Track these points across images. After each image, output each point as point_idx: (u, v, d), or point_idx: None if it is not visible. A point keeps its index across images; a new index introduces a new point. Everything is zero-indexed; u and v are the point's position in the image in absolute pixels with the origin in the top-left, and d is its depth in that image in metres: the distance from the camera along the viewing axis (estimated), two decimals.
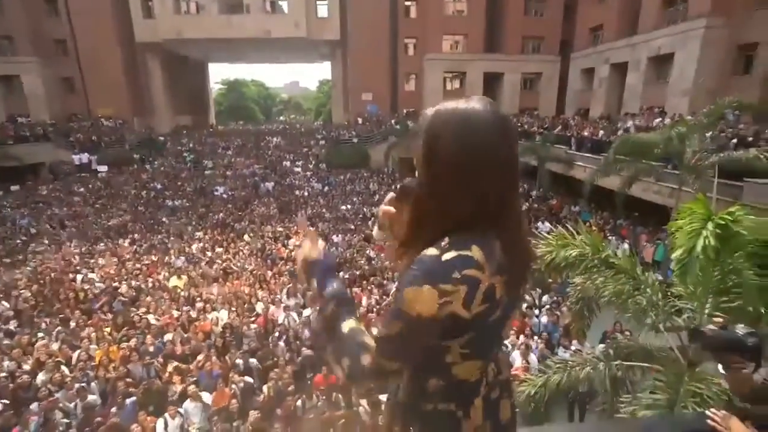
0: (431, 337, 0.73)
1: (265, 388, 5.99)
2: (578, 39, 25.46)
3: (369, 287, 9.94)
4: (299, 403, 5.70)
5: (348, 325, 0.81)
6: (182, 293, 9.73)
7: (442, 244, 0.71)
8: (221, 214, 17.02)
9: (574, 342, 6.51)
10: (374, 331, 0.78)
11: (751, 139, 10.37)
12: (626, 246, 11.31)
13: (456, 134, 0.71)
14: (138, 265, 11.93)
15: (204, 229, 15.30)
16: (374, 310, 8.66)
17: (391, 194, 0.96)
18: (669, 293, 3.38)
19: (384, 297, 9.23)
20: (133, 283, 10.48)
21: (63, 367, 6.58)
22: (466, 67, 28.24)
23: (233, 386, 6.07)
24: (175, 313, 8.75)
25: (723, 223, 2.03)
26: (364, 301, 9.19)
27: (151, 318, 8.57)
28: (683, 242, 2.08)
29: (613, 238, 12.27)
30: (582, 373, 3.34)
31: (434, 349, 0.77)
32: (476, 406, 0.82)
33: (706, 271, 2.83)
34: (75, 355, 7.03)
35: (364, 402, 5.70)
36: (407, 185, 0.90)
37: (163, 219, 16.88)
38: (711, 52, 16.14)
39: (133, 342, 7.49)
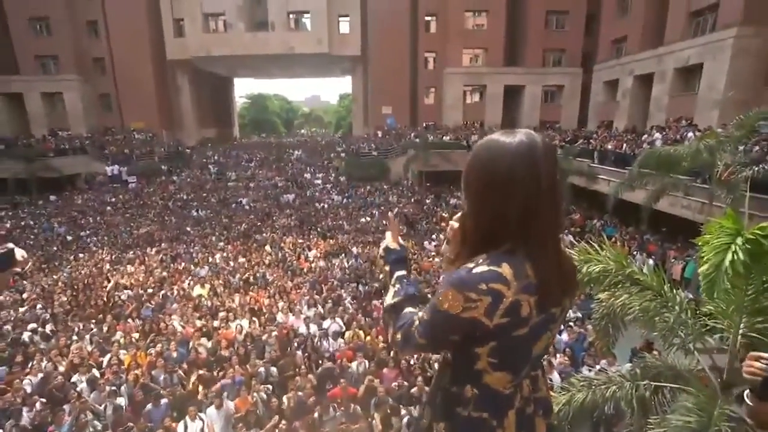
0: (453, 332, 0.85)
1: (285, 398, 6.04)
2: (601, 51, 25.18)
3: None
4: (316, 414, 5.72)
5: (407, 308, 0.98)
6: (205, 302, 9.98)
7: (480, 259, 0.82)
8: (244, 225, 17.42)
9: (603, 362, 6.32)
10: (420, 312, 0.92)
11: None
12: (651, 262, 10.95)
13: (480, 162, 0.84)
14: (164, 274, 12.33)
15: (227, 239, 15.68)
16: None
17: (458, 214, 1.07)
18: (699, 312, 3.29)
19: None
20: (160, 291, 10.82)
21: (94, 370, 6.84)
22: (485, 81, 28.29)
23: (255, 395, 6.16)
24: (198, 322, 8.97)
25: (753, 238, 1.99)
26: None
27: (177, 325, 8.81)
28: (710, 257, 2.05)
29: (639, 253, 11.90)
30: (607, 392, 3.27)
31: (466, 354, 0.87)
32: (510, 418, 0.88)
33: (738, 290, 2.76)
34: (106, 359, 7.30)
35: (378, 416, 5.68)
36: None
37: (188, 229, 17.41)
38: (742, 63, 15.68)
39: (159, 347, 7.72)
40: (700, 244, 2.34)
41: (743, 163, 8.92)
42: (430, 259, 12.82)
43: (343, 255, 13.57)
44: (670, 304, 3.15)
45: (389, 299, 1.02)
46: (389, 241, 1.15)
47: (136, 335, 8.43)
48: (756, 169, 8.37)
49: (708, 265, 2.08)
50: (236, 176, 25.70)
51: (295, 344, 7.74)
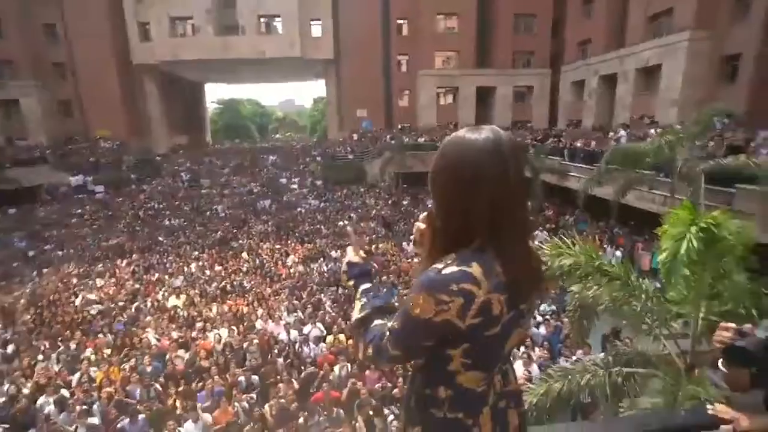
0: (427, 337, 0.83)
1: (267, 406, 5.95)
2: (567, 52, 26.10)
3: None
4: (301, 420, 5.66)
5: (376, 321, 0.96)
6: (182, 312, 9.70)
7: (449, 260, 0.80)
8: (219, 233, 17.04)
9: (579, 352, 6.55)
10: (390, 322, 0.90)
11: (741, 145, 10.63)
12: (618, 254, 11.41)
13: (446, 160, 0.84)
14: (137, 286, 11.91)
15: (202, 248, 15.29)
16: None
17: (424, 213, 1.04)
18: (664, 299, 3.46)
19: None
20: (132, 304, 10.44)
21: (63, 390, 6.53)
22: (458, 82, 28.79)
23: (236, 404, 6.04)
24: (175, 334, 8.71)
25: (706, 227, 2.12)
26: None
27: (152, 338, 8.53)
28: (668, 246, 2.17)
29: (609, 246, 12.38)
30: (583, 380, 3.39)
31: (438, 356, 0.85)
32: (484, 415, 0.88)
33: (697, 276, 2.93)
34: (75, 378, 6.97)
35: (361, 418, 5.67)
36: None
37: (161, 239, 16.88)
38: (696, 63, 16.61)
39: (132, 362, 7.45)
40: (660, 234, 2.48)
41: (700, 157, 9.44)
42: (409, 260, 12.90)
43: (321, 259, 13.48)
44: (636, 292, 3.31)
45: (356, 314, 0.99)
46: (351, 255, 1.11)
47: (107, 351, 8.10)
48: (711, 162, 8.87)
49: (666, 254, 2.20)
50: (210, 183, 25.11)
51: (276, 351, 7.63)
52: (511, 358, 1.00)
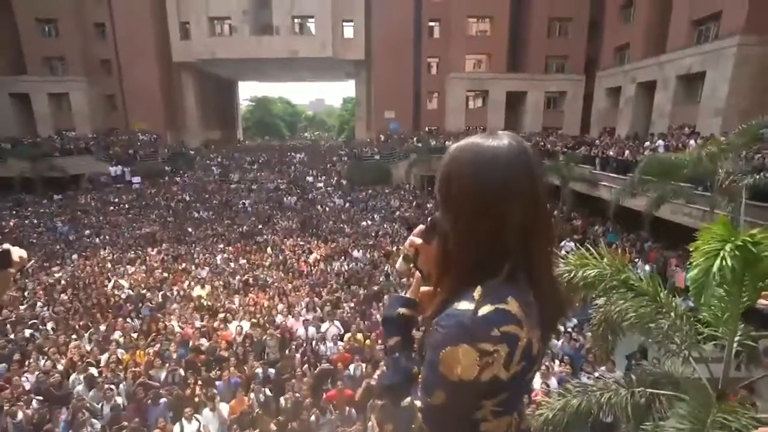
0: (474, 402, 0.67)
1: (282, 399, 6.04)
2: (604, 58, 25.23)
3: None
4: (313, 417, 5.72)
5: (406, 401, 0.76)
6: (205, 302, 10.01)
7: (475, 295, 0.66)
8: (245, 227, 17.48)
9: (601, 369, 6.30)
10: (418, 401, 0.72)
11: None
12: (647, 268, 10.91)
13: (464, 169, 0.70)
14: (165, 274, 12.38)
15: (228, 241, 15.73)
16: None
17: (420, 226, 0.91)
18: (695, 319, 3.28)
19: None
20: (159, 291, 10.86)
21: (92, 369, 6.86)
22: (488, 86, 28.38)
23: (252, 396, 6.17)
24: (198, 323, 8.99)
25: (743, 245, 2.00)
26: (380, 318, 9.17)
27: (176, 325, 8.84)
28: (700, 263, 2.06)
29: (640, 261, 11.86)
30: (603, 398, 3.26)
31: (475, 420, 0.70)
32: None
33: (732, 297, 2.75)
34: (104, 358, 7.32)
35: (375, 418, 5.67)
36: (438, 219, 0.82)
37: (190, 230, 17.48)
38: (744, 71, 15.67)
39: (157, 347, 7.75)
40: (692, 250, 2.35)
41: (745, 171, 8.90)
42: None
43: (343, 258, 13.58)
44: (665, 310, 3.15)
45: (378, 387, 0.81)
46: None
47: (134, 335, 8.46)
48: (757, 177, 8.35)
49: (697, 271, 2.08)
50: (239, 178, 25.81)
51: (294, 346, 7.74)
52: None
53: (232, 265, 12.91)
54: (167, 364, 7.09)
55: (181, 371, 6.97)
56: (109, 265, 13.32)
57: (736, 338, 3.01)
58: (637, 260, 11.74)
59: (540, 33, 27.46)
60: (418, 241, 0.87)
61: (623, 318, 3.40)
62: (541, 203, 0.70)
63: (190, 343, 7.88)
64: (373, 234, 16.76)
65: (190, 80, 31.29)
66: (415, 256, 0.87)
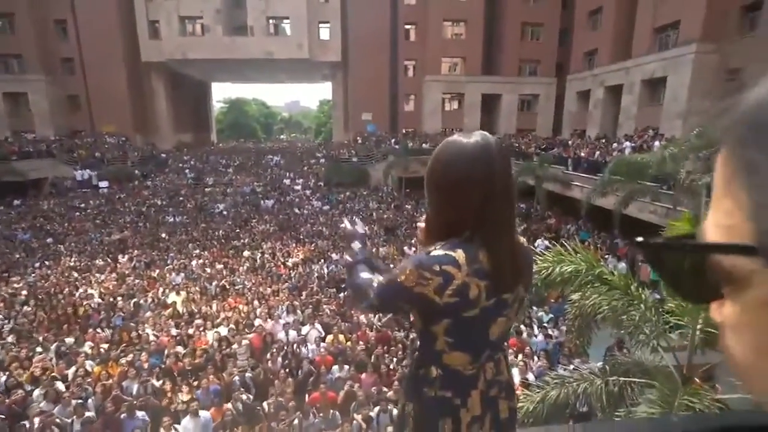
0: (403, 301, 0.94)
1: (265, 404, 5.95)
2: (574, 62, 26.17)
3: None
4: (296, 421, 5.66)
5: (364, 273, 1.08)
6: (181, 309, 9.73)
7: (438, 245, 0.92)
8: (221, 231, 17.09)
9: (576, 361, 6.53)
10: (378, 276, 1.03)
11: None
12: (623, 265, 11.37)
13: (440, 161, 0.94)
14: (137, 281, 11.94)
15: (204, 245, 15.34)
16: (373, 327, 8.66)
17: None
18: (662, 309, 3.47)
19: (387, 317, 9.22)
20: (132, 299, 10.47)
21: (59, 383, 6.54)
22: (464, 89, 28.88)
23: (230, 404, 6.04)
24: (174, 331, 8.73)
25: None
26: (363, 318, 9.19)
27: (150, 334, 8.55)
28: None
29: (611, 257, 12.34)
30: (579, 388, 3.39)
31: (426, 335, 0.95)
32: (473, 398, 0.94)
33: None
34: (71, 371, 6.98)
35: (358, 417, 5.68)
36: None
37: (163, 235, 16.94)
38: (702, 77, 16.62)
39: (130, 357, 7.47)
40: None
41: (704, 170, 9.43)
42: None
43: (322, 261, 13.50)
44: (636, 302, 3.31)
45: (347, 261, 1.16)
46: (349, 227, 1.33)
47: (105, 345, 8.12)
48: (714, 175, 8.84)
49: None
50: (213, 181, 25.21)
51: (274, 350, 7.64)
52: (504, 350, 1.05)
53: (208, 270, 12.59)
54: (141, 375, 6.85)
55: (155, 381, 6.74)
56: (75, 273, 12.73)
57: (698, 326, 3.21)
58: (608, 256, 12.21)
59: (513, 37, 28.20)
60: (423, 225, 1.13)
61: (597, 311, 3.55)
62: (497, 185, 0.90)
63: (166, 352, 7.64)
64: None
65: (160, 81, 30.35)
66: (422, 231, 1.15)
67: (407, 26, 29.33)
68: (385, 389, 6.47)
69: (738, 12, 16.03)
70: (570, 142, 21.57)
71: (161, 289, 11.18)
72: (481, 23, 28.28)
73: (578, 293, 3.78)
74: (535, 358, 7.13)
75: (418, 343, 1.01)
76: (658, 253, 0.23)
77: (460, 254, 0.88)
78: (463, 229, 0.92)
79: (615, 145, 17.39)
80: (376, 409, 5.87)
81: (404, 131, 29.64)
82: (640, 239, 0.24)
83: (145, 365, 7.27)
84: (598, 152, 17.16)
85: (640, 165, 9.98)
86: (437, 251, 0.89)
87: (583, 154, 17.88)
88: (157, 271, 12.80)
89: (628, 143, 16.68)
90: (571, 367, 6.09)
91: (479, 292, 0.88)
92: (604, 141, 19.68)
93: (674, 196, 9.71)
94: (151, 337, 8.41)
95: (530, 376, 6.16)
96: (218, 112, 57.56)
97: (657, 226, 11.61)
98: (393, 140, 27.38)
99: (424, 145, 25.44)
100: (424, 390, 0.96)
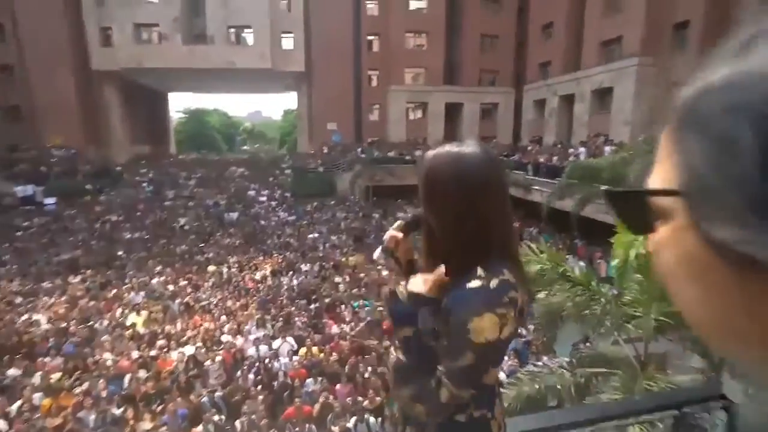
0: (497, 360, 0.83)
1: (238, 423, 5.74)
2: (530, 73, 27.53)
3: (341, 314, 9.91)
4: None
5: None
6: (142, 330, 9.22)
7: (479, 273, 0.80)
8: (184, 246, 16.41)
9: (544, 358, 6.79)
10: (441, 367, 0.83)
11: None
12: (582, 264, 11.99)
13: (449, 173, 0.83)
14: (92, 303, 11.20)
15: (165, 262, 14.66)
16: (347, 337, 8.60)
17: (400, 221, 1.05)
18: (621, 303, 3.71)
19: (359, 324, 9.19)
20: (87, 323, 9.79)
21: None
22: (427, 98, 29.59)
23: (200, 427, 5.78)
24: (135, 353, 8.26)
25: None
26: (335, 329, 9.11)
27: (109, 359, 8.04)
28: (620, 253, 2.38)
29: (571, 257, 12.97)
30: (550, 382, 3.56)
31: (495, 374, 0.87)
32: (497, 405, 0.93)
33: (649, 280, 3.17)
34: (14, 407, 6.40)
35: (335, 429, 5.61)
36: (419, 215, 0.99)
37: (120, 253, 16.02)
38: (645, 87, 17.99)
39: (86, 386, 6.98)
40: (614, 243, 2.70)
41: (649, 173, 10.17)
42: (378, 273, 12.99)
43: (291, 273, 13.27)
44: (597, 297, 3.53)
45: (400, 368, 0.90)
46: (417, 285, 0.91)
47: (57, 375, 7.54)
48: None
49: (618, 260, 2.41)
50: (174, 195, 24.19)
51: (246, 367, 7.41)
52: None
53: (171, 287, 12.03)
54: (99, 404, 6.42)
55: (115, 410, 6.34)
56: (19, 298, 11.75)
57: (652, 316, 3.46)
58: (568, 257, 12.83)
59: (473, 48, 29.30)
60: (400, 235, 1.01)
61: (562, 308, 3.75)
62: (507, 194, 0.89)
63: (128, 376, 7.21)
64: (320, 246, 16.57)
65: (114, 90, 28.92)
66: (395, 248, 1.01)
67: (370, 37, 29.74)
68: (360, 399, 6.43)
69: (671, 29, 17.54)
70: (529, 149, 22.58)
71: (119, 310, 10.55)
72: (442, 35, 29.19)
73: (544, 292, 3.97)
74: (505, 357, 7.35)
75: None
76: (617, 199, 0.31)
77: (508, 275, 0.80)
78: (485, 247, 0.83)
79: (571, 150, 18.39)
80: (353, 419, 5.83)
81: (369, 140, 29.85)
82: (605, 188, 0.33)
83: (104, 393, 6.84)
84: (555, 158, 18.06)
85: (594, 169, 10.65)
86: (493, 281, 0.78)
87: (542, 160, 18.75)
88: (114, 291, 12.08)
89: (582, 149, 17.69)
90: (540, 363, 6.34)
91: (525, 307, 0.84)
92: (560, 147, 20.76)
93: None
94: (110, 362, 7.91)
95: (501, 375, 6.34)
96: (177, 123, 55.50)
97: (612, 226, 12.34)
98: (359, 149, 27.49)
99: (389, 153, 25.74)
100: (456, 417, 0.87)
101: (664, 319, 3.14)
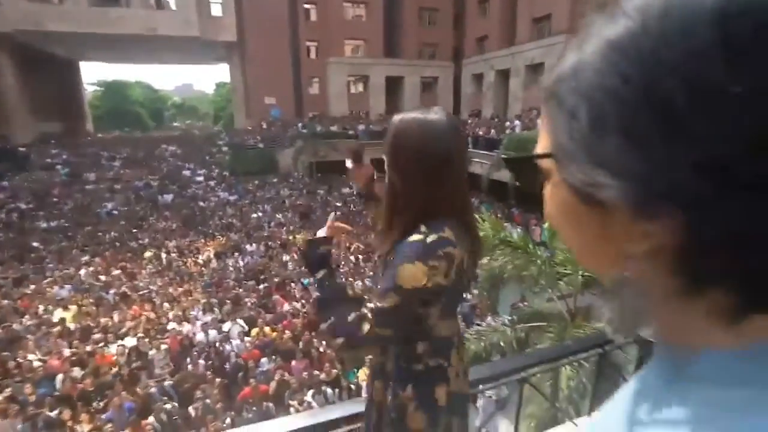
0: (419, 305, 0.88)
1: (191, 409, 5.62)
2: (468, 47, 28.06)
3: (292, 292, 9.87)
4: (229, 419, 5.48)
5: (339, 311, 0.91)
6: (72, 326, 8.49)
7: (422, 229, 0.88)
8: (113, 233, 15.09)
9: (488, 318, 7.36)
10: (369, 304, 0.89)
11: None
12: (519, 230, 12.92)
13: (413, 139, 0.90)
14: (5, 302, 10.03)
15: (93, 251, 13.43)
16: (299, 314, 8.61)
17: (349, 161, 1.30)
18: (554, 263, 4.12)
19: (310, 300, 9.21)
20: (1, 324, 8.78)
21: None
22: (368, 71, 29.11)
23: (152, 418, 5.57)
24: (66, 351, 7.62)
25: None
26: (286, 306, 9.08)
27: (34, 360, 7.34)
28: None
29: (510, 225, 13.90)
30: (494, 339, 3.91)
31: (418, 317, 0.91)
32: (453, 356, 0.99)
33: None
34: None
35: (294, 403, 5.72)
36: (356, 149, 1.34)
37: (35, 244, 14.35)
38: None
39: (8, 392, 6.36)
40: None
41: None
42: None
43: (237, 254, 12.84)
44: (533, 259, 3.89)
45: (315, 309, 0.96)
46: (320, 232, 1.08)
47: None
48: None
49: (549, 223, 2.68)
50: (96, 177, 21.87)
51: (195, 353, 7.18)
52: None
53: (102, 277, 11.11)
54: (27, 410, 5.90)
55: (48, 412, 5.88)
56: None
57: (580, 273, 3.90)
58: (507, 224, 13.74)
59: (412, 21, 29.07)
60: (351, 165, 1.28)
61: (503, 271, 4.08)
62: (465, 162, 0.96)
63: (60, 376, 6.66)
64: (265, 225, 16.12)
65: (6, 57, 24.88)
66: (361, 183, 1.31)
67: (307, 6, 28.29)
68: (317, 372, 6.56)
69: (594, 9, 18.69)
70: (469, 122, 23.32)
71: (41, 307, 9.58)
72: (380, 6, 28.55)
73: (487, 257, 4.28)
74: None
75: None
76: (515, 164, 0.40)
77: (449, 232, 0.87)
78: (438, 207, 0.90)
79: (507, 123, 19.30)
80: (310, 392, 5.95)
81: (311, 115, 28.96)
82: (504, 155, 0.42)
83: (32, 397, 6.29)
84: (493, 131, 18.87)
85: (528, 141, 11.33)
86: (431, 236, 0.86)
87: (480, 133, 19.50)
88: (33, 286, 10.90)
89: (517, 122, 18.64)
90: (484, 324, 6.88)
91: (465, 263, 0.91)
92: (497, 120, 21.70)
93: None
94: (36, 363, 7.24)
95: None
96: (93, 97, 49.53)
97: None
98: (300, 124, 26.59)
99: (332, 128, 25.21)
100: (413, 367, 0.95)
101: (589, 275, 3.55)
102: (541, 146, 0.33)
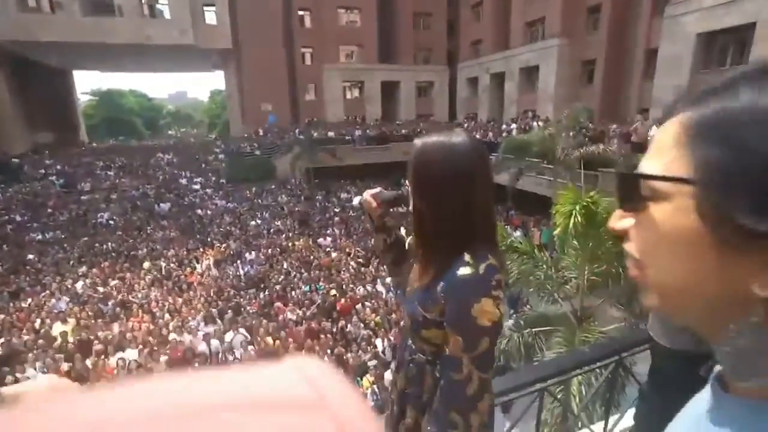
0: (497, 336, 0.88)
1: None
2: (462, 51, 28.25)
3: (294, 299, 9.83)
4: None
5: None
6: (72, 339, 8.40)
7: (466, 259, 0.86)
8: (110, 244, 14.98)
9: None
10: (465, 361, 0.84)
11: (598, 136, 12.79)
12: (518, 233, 12.95)
13: (440, 163, 0.88)
14: (2, 316, 9.90)
15: (90, 262, 13.32)
16: (302, 322, 8.58)
17: (379, 189, 1.16)
18: (558, 266, 4.14)
19: (312, 307, 9.20)
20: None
21: None
22: (363, 77, 29.22)
23: None
24: (65, 365, 7.53)
25: (586, 205, 2.67)
26: (289, 315, 9.03)
27: (34, 375, 7.24)
28: (561, 222, 2.67)
29: (509, 227, 13.93)
30: (502, 344, 3.90)
31: None
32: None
33: (582, 245, 3.56)
34: None
35: None
36: (399, 196, 1.13)
37: (31, 256, 14.22)
38: (564, 66, 19.37)
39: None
40: (554, 212, 2.99)
41: (574, 147, 11.15)
42: (327, 255, 12.99)
43: (238, 262, 12.78)
44: (539, 263, 3.90)
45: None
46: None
47: None
48: (581, 151, 10.56)
49: (560, 228, 2.69)
50: (91, 187, 21.73)
51: (197, 364, 7.11)
52: None
53: (100, 289, 11.02)
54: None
55: None
56: None
57: (585, 276, 3.91)
58: (506, 228, 13.76)
59: (407, 26, 29.25)
60: (373, 202, 1.14)
61: (510, 276, 4.08)
62: (492, 186, 0.95)
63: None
64: (264, 232, 16.07)
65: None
66: (370, 210, 1.17)
67: (301, 12, 28.41)
68: None
69: (585, 13, 18.95)
70: (465, 125, 23.43)
71: (39, 321, 9.47)
72: (374, 11, 28.71)
73: None
74: None
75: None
76: (626, 180, 0.35)
77: (492, 259, 0.86)
78: (473, 232, 0.89)
79: (504, 126, 19.42)
80: None
81: (307, 121, 28.98)
82: (619, 171, 0.38)
83: None
84: (491, 134, 18.97)
85: (526, 143, 11.41)
86: (482, 266, 0.84)
87: (478, 136, 19.59)
88: (30, 299, 10.78)
89: (513, 125, 18.76)
90: None
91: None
92: (494, 123, 21.82)
93: (554, 169, 11.30)
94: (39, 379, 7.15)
95: None
96: (86, 107, 49.30)
97: (544, 197, 13.42)
98: (297, 130, 26.59)
99: (329, 134, 25.24)
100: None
101: (596, 278, 3.57)
102: (661, 168, 0.31)
